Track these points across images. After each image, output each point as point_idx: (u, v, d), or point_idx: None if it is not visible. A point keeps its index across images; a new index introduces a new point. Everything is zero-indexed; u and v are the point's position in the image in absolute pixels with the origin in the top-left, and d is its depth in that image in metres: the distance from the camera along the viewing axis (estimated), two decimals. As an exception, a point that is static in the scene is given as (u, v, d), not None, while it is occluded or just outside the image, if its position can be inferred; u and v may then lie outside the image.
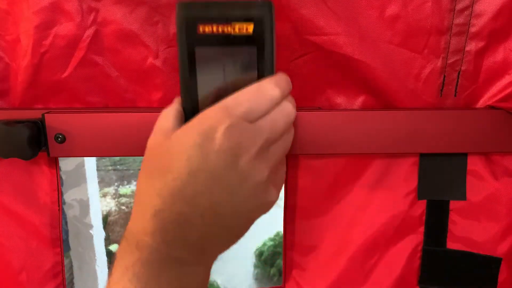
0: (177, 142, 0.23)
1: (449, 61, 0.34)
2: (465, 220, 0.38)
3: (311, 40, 0.33)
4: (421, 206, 0.38)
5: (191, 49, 0.24)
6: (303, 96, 0.36)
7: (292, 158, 0.38)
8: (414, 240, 0.39)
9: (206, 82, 0.25)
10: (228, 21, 0.23)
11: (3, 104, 0.37)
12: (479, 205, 0.38)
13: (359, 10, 0.33)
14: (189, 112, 0.26)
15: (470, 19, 0.33)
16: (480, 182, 0.37)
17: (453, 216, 0.38)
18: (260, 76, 0.25)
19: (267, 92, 0.24)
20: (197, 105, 0.26)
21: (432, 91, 0.35)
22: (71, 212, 1.13)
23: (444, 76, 0.35)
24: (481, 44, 0.33)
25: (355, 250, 0.39)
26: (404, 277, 0.39)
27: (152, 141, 0.25)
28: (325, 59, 0.34)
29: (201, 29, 0.24)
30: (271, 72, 0.25)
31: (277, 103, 0.24)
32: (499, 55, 0.34)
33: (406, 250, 0.39)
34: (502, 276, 0.39)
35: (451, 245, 0.39)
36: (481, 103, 0.36)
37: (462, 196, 0.37)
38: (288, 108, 0.25)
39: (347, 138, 0.35)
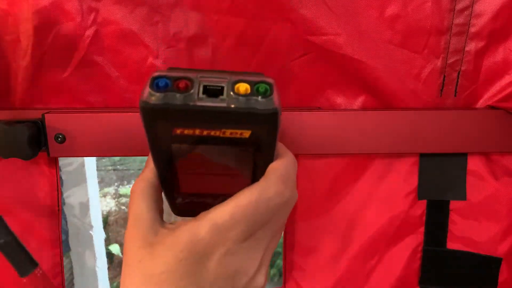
0: (164, 265, 0.19)
1: (449, 61, 0.34)
2: (465, 220, 0.38)
3: (311, 40, 0.33)
4: (421, 206, 0.38)
5: (166, 147, 0.19)
6: (303, 96, 0.36)
7: (292, 158, 0.38)
8: (414, 240, 0.39)
9: (187, 171, 0.21)
10: (216, 128, 0.18)
11: (3, 104, 0.37)
12: (479, 205, 0.37)
13: (359, 10, 0.33)
14: (168, 192, 0.23)
15: (470, 19, 0.33)
16: (480, 182, 0.37)
17: (453, 216, 0.38)
18: (258, 170, 0.20)
19: (272, 201, 0.19)
20: (178, 187, 0.22)
21: (432, 91, 0.35)
22: (71, 213, 1.13)
23: (444, 76, 0.35)
24: (481, 44, 0.33)
25: (356, 251, 0.39)
26: (404, 278, 0.39)
27: (131, 244, 0.21)
28: (325, 59, 0.34)
29: (178, 131, 0.18)
30: (271, 159, 0.21)
31: (286, 200, 0.20)
32: (499, 55, 0.34)
33: (406, 250, 0.39)
34: (502, 276, 0.39)
35: (451, 245, 0.39)
36: (481, 103, 0.36)
37: (462, 196, 0.37)
38: (294, 201, 0.21)
39: (347, 138, 0.35)
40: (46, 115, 0.34)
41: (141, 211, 0.21)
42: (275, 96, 0.18)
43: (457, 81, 0.35)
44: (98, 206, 1.19)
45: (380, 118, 0.34)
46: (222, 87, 0.18)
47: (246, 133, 0.18)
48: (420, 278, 0.40)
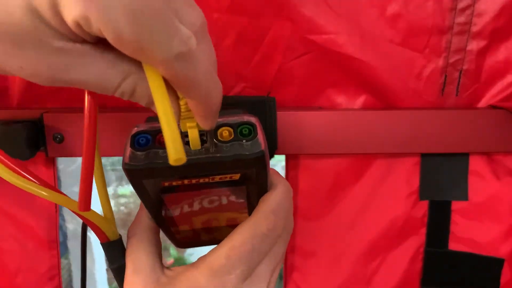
0: None
1: (451, 61, 0.34)
2: (467, 221, 0.38)
3: (311, 39, 0.33)
4: (423, 207, 0.38)
5: (156, 197, 0.19)
6: (303, 96, 0.36)
7: (292, 158, 0.37)
8: (416, 241, 0.39)
9: (182, 212, 0.21)
10: (204, 176, 0.18)
11: (1, 103, 0.36)
12: (481, 205, 0.37)
13: (360, 9, 0.32)
14: (166, 231, 0.23)
15: (471, 18, 0.33)
16: (482, 182, 0.37)
17: (455, 217, 0.38)
18: (253, 200, 0.20)
19: (266, 237, 0.19)
20: (176, 226, 0.22)
21: (434, 90, 0.35)
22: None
23: (446, 76, 0.34)
24: (482, 43, 0.33)
25: (357, 253, 0.38)
26: (406, 279, 0.39)
27: None
28: (326, 58, 0.34)
29: (166, 184, 0.18)
30: (265, 190, 0.20)
31: (282, 232, 0.20)
32: (501, 54, 0.34)
33: (408, 252, 0.39)
34: (505, 277, 0.38)
35: (453, 246, 0.38)
36: (482, 102, 0.35)
37: (464, 197, 0.37)
38: (290, 230, 0.21)
39: (348, 138, 0.34)
40: (44, 115, 0.34)
41: (140, 257, 0.21)
42: (260, 137, 0.18)
43: (459, 81, 0.34)
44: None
45: (381, 117, 0.34)
46: (205, 133, 0.18)
47: (236, 176, 0.18)
48: (422, 279, 0.39)
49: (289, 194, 0.22)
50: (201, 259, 0.20)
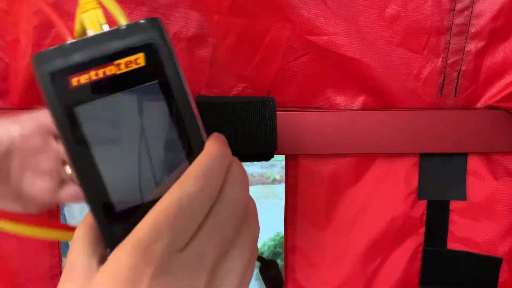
0: None
1: (449, 61, 0.34)
2: (465, 220, 0.38)
3: (310, 40, 0.33)
4: (422, 207, 0.38)
5: (69, 112, 0.17)
6: (303, 96, 0.36)
7: (292, 158, 0.37)
8: (415, 241, 0.39)
9: (108, 159, 0.18)
10: (109, 60, 0.17)
11: (2, 104, 0.37)
12: (479, 205, 0.37)
13: (359, 10, 0.33)
14: (101, 221, 0.18)
15: (470, 19, 0.33)
16: (480, 182, 0.37)
17: (453, 216, 0.38)
18: (180, 125, 0.18)
19: (195, 198, 0.16)
20: (108, 198, 0.18)
21: (432, 91, 0.35)
22: (70, 214, 1.13)
23: (444, 76, 0.35)
24: (481, 44, 0.33)
25: (357, 253, 0.39)
26: (405, 279, 0.39)
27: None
28: (325, 59, 0.34)
29: (74, 81, 0.17)
30: (191, 117, 0.18)
31: (216, 196, 0.17)
32: (499, 55, 0.34)
33: (407, 251, 0.39)
34: (503, 276, 0.38)
35: (452, 245, 0.38)
36: (481, 103, 0.36)
37: (462, 196, 0.37)
38: (232, 195, 0.17)
39: (347, 138, 0.35)
40: (45, 115, 0.34)
41: (77, 258, 0.18)
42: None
43: (457, 81, 0.35)
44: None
45: (380, 118, 0.34)
46: None
47: (141, 59, 0.17)
48: (420, 278, 0.39)
49: (221, 158, 0.18)
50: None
